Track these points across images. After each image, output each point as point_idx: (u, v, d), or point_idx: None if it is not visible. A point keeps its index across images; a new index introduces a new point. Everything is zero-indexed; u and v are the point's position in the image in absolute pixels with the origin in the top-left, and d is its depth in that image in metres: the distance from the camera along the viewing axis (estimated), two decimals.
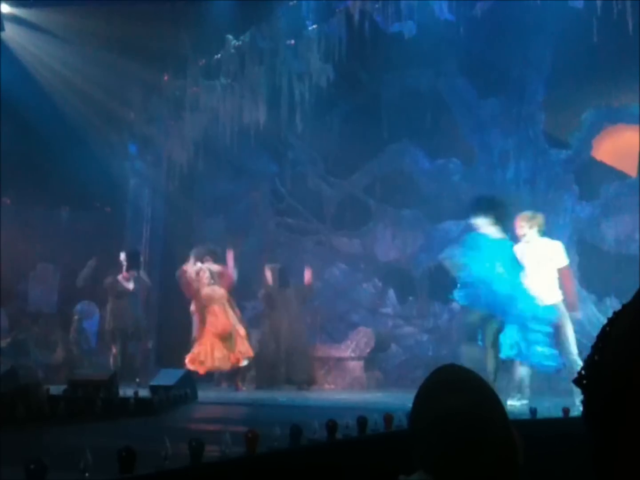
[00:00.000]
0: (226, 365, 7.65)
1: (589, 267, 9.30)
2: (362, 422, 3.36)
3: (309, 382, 8.58)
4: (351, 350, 9.26)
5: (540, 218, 6.12)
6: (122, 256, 8.52)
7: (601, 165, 9.91)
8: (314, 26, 10.15)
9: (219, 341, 7.62)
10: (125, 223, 11.27)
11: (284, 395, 7.22)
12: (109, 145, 10.42)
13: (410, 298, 10.36)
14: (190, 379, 6.14)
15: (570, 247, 9.69)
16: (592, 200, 9.71)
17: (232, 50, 10.41)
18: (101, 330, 8.78)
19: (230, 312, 7.99)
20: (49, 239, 10.38)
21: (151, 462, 2.27)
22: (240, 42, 10.41)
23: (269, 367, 8.36)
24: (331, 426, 3.15)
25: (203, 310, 7.91)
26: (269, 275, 8.98)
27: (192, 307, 8.22)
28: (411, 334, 10.10)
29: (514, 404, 5.47)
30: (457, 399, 1.21)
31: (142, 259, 8.80)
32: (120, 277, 8.52)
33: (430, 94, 10.51)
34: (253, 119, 10.37)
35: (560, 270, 5.96)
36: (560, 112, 10.11)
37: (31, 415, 3.99)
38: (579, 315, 6.20)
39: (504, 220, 6.10)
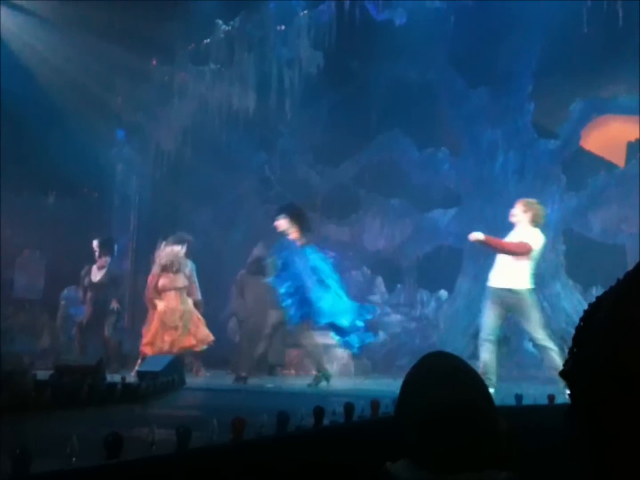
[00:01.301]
0: (177, 349, 7.58)
1: (576, 256, 9.38)
2: (349, 408, 3.38)
3: (282, 366, 8.66)
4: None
5: (537, 208, 6.09)
6: (95, 243, 8.45)
7: (589, 155, 9.96)
8: (304, 12, 10.09)
9: (169, 325, 7.66)
10: (111, 209, 11.19)
11: (270, 382, 7.24)
12: (96, 131, 10.32)
13: (399, 286, 10.41)
14: (178, 365, 6.13)
15: (557, 237, 9.76)
16: (580, 191, 9.77)
17: (222, 36, 10.33)
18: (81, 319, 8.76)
19: (185, 299, 7.92)
20: (35, 225, 10.30)
21: (138, 448, 2.27)
22: (229, 27, 10.32)
23: (245, 353, 8.50)
24: (318, 413, 3.16)
25: (156, 297, 7.85)
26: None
27: (147, 293, 8.09)
28: (399, 321, 10.16)
29: None
30: (442, 387, 1.21)
31: (115, 246, 8.72)
32: (95, 266, 8.46)
33: (420, 83, 10.50)
34: (242, 106, 10.32)
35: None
36: (548, 102, 10.13)
37: (16, 402, 3.97)
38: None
39: (306, 229, 6.49)
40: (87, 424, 3.48)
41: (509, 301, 5.80)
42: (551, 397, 4.14)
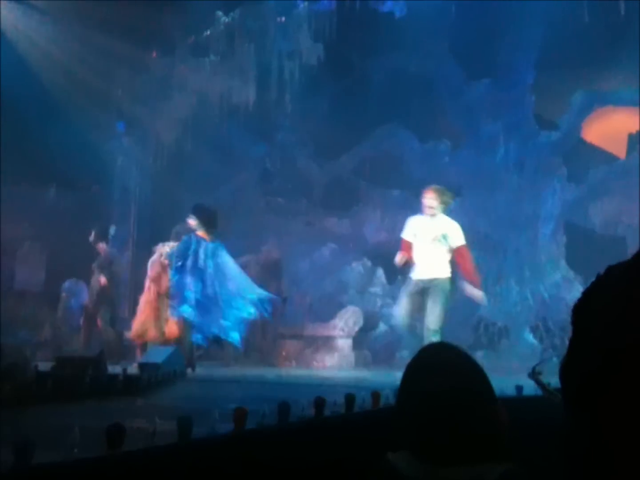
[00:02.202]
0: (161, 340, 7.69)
1: (576, 248, 9.38)
2: (349, 399, 3.39)
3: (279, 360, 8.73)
4: (340, 329, 9.31)
5: (449, 196, 6.10)
6: (92, 233, 8.51)
7: (590, 147, 9.95)
8: (304, 4, 10.05)
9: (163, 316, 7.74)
10: (112, 202, 11.19)
11: (271, 373, 7.26)
12: (96, 123, 10.30)
13: (399, 277, 10.40)
14: (179, 356, 6.14)
15: (558, 229, 9.76)
16: (580, 183, 9.76)
17: (222, 27, 10.29)
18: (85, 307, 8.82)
19: None
20: (36, 218, 10.29)
21: (139, 438, 2.28)
22: (229, 19, 10.28)
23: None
24: (319, 403, 3.17)
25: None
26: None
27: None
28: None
29: None
30: (442, 378, 1.20)
31: (110, 231, 8.78)
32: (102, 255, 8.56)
33: (420, 76, 10.47)
34: (242, 98, 10.29)
35: (457, 250, 5.91)
36: (549, 94, 10.10)
37: (18, 394, 3.98)
38: (481, 296, 6.04)
39: (213, 228, 6.90)
40: (88, 415, 3.49)
41: (428, 289, 5.83)
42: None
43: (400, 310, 5.87)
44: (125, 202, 11.04)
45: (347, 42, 10.35)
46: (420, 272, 5.89)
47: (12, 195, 10.36)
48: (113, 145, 11.12)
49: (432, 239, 5.90)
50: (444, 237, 5.89)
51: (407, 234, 6.09)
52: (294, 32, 10.19)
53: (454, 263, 5.96)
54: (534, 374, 2.47)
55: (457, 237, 5.92)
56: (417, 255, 5.95)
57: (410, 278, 5.97)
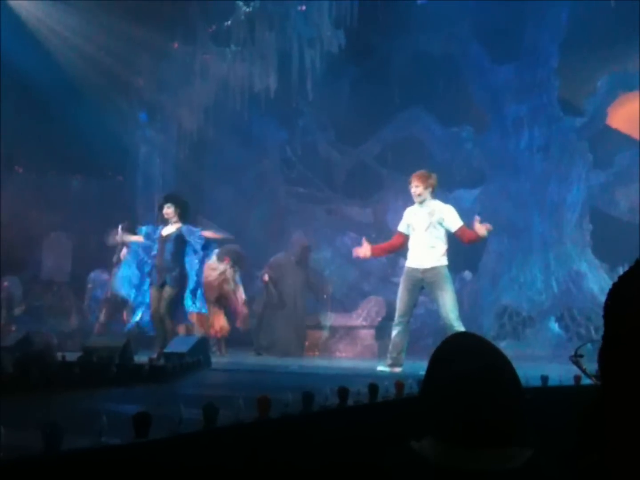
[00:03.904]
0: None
1: (602, 235, 9.25)
2: (373, 389, 3.39)
3: (302, 351, 8.78)
4: (362, 318, 9.31)
5: (434, 178, 5.88)
6: (119, 229, 8.61)
7: (616, 132, 9.76)
8: None
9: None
10: (136, 191, 11.29)
11: (294, 362, 7.29)
12: (120, 113, 10.38)
13: None
14: (204, 346, 6.19)
15: (584, 216, 9.62)
16: (606, 168, 9.59)
17: (242, 17, 10.28)
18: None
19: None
20: (61, 208, 10.43)
21: (165, 426, 2.31)
22: (250, 9, 10.27)
23: (266, 335, 8.68)
24: (342, 393, 3.17)
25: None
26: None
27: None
28: (422, 302, 10.06)
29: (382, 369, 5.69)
30: (471, 364, 1.22)
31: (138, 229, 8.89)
32: (124, 249, 8.63)
33: (443, 59, 10.35)
34: (263, 85, 10.29)
35: (457, 232, 5.75)
36: (575, 78, 9.93)
37: (46, 380, 4.05)
38: (488, 226, 5.74)
39: (186, 217, 7.00)
40: (115, 403, 3.54)
41: (427, 279, 5.73)
42: (577, 378, 4.10)
43: (399, 301, 5.80)
44: (149, 191, 11.13)
45: (368, 26, 10.27)
46: (417, 262, 5.79)
47: (37, 185, 10.52)
48: (136, 134, 11.20)
49: (425, 227, 5.78)
50: (440, 222, 5.77)
51: (401, 226, 6.00)
52: (314, 19, 10.14)
53: (451, 248, 5.89)
54: (575, 357, 2.48)
55: (453, 220, 5.77)
56: (413, 245, 5.85)
57: (407, 268, 5.90)
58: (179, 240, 6.88)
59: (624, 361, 0.82)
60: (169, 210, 6.96)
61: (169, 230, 6.98)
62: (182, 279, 6.89)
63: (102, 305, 8.73)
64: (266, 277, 8.83)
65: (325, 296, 9.37)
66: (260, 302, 9.01)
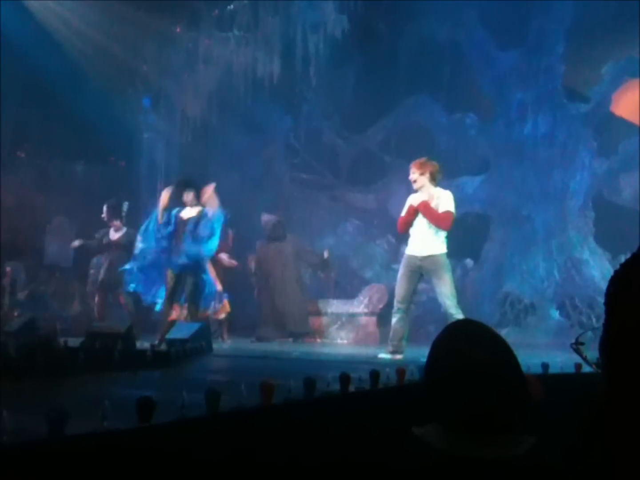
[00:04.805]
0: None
1: (605, 223, 9.22)
2: (374, 375, 3.40)
3: (305, 335, 8.88)
4: (364, 305, 9.33)
5: (432, 165, 5.85)
6: (104, 208, 8.65)
7: (620, 120, 9.70)
8: None
9: None
10: (139, 177, 11.28)
11: (296, 348, 7.32)
12: (123, 98, 10.35)
13: None
14: (206, 332, 6.22)
15: (587, 203, 9.60)
16: (611, 156, 9.54)
17: (246, 1, 10.22)
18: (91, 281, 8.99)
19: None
20: (65, 193, 10.43)
21: (168, 411, 2.32)
22: None
23: (265, 319, 8.79)
24: (344, 379, 3.19)
25: None
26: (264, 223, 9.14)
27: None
28: (424, 290, 10.09)
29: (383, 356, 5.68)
30: (475, 352, 1.22)
31: (123, 209, 8.89)
32: (111, 229, 8.69)
33: (448, 45, 10.28)
34: (267, 71, 10.24)
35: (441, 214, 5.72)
36: (580, 65, 9.86)
37: (50, 365, 4.07)
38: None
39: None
40: (118, 388, 3.56)
41: (425, 267, 5.74)
42: (578, 366, 4.12)
43: (403, 291, 5.80)
44: (153, 177, 11.12)
45: (373, 12, 10.20)
46: (415, 249, 5.80)
47: (41, 170, 10.51)
48: (140, 120, 11.18)
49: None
50: (436, 208, 5.76)
51: (403, 212, 5.98)
52: (318, 4, 10.07)
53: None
54: (576, 344, 2.49)
55: (444, 204, 5.75)
56: (412, 232, 5.85)
57: (406, 255, 5.90)
58: (202, 223, 6.86)
59: (625, 349, 0.82)
60: (189, 194, 6.94)
61: (189, 213, 6.95)
62: (202, 263, 6.87)
63: (93, 290, 8.78)
64: (252, 264, 8.99)
65: (325, 257, 9.34)
66: (258, 292, 9.15)
